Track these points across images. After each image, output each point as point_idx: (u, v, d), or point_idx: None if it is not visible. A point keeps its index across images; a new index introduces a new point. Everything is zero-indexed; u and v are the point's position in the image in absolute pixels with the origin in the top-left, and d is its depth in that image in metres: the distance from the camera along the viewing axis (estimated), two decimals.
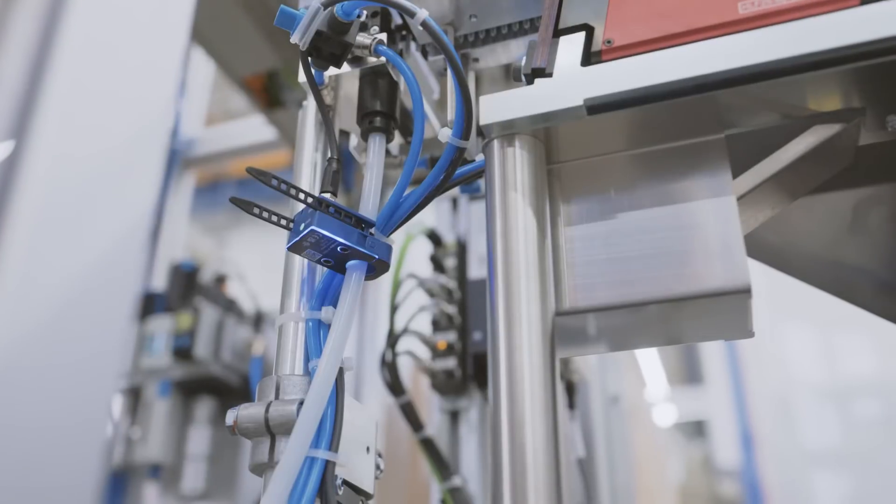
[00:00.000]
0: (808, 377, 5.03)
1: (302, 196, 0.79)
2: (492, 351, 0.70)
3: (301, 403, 0.74)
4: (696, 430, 7.49)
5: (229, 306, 2.32)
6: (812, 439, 4.86)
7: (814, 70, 0.69)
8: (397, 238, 1.67)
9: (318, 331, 0.81)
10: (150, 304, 2.27)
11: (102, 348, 1.08)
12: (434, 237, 1.57)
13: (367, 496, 0.81)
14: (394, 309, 1.45)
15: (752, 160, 0.76)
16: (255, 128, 2.92)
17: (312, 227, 0.77)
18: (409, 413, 1.39)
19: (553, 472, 0.64)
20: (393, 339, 1.43)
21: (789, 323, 5.07)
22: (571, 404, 1.47)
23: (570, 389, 1.48)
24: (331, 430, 0.73)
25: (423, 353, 1.52)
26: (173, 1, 1.30)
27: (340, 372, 0.77)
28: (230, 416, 0.77)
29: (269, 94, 2.25)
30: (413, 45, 1.00)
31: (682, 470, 6.97)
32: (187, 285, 2.26)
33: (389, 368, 1.41)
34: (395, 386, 1.40)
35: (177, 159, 2.94)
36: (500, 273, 0.73)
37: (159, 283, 2.59)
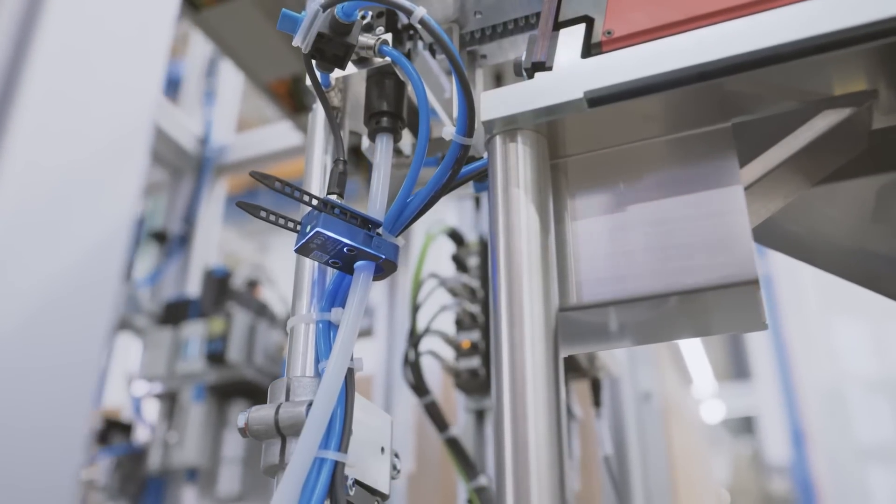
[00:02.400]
0: (861, 370, 4.92)
1: (307, 198, 0.79)
2: (494, 348, 0.70)
3: (310, 405, 0.74)
4: (745, 426, 7.38)
5: (261, 310, 2.34)
6: (865, 434, 4.75)
7: (820, 53, 0.67)
8: (418, 238, 1.67)
9: (328, 332, 0.81)
10: (184, 310, 2.30)
11: (79, 353, 1.09)
12: (456, 236, 1.56)
13: (383, 497, 0.81)
14: (415, 309, 1.45)
15: (761, 149, 0.74)
16: (285, 132, 2.96)
17: (317, 229, 0.77)
18: (434, 413, 1.38)
19: (556, 469, 0.64)
20: (415, 338, 1.43)
21: (840, 315, 4.97)
22: (597, 401, 1.45)
23: (596, 386, 1.46)
24: (340, 430, 0.73)
25: (448, 353, 1.51)
26: (153, 10, 1.31)
27: (350, 373, 0.77)
28: (241, 419, 0.78)
29: (294, 99, 2.27)
30: (420, 45, 1.00)
31: (729, 467, 6.87)
32: (220, 290, 2.29)
33: (412, 368, 1.41)
34: (418, 386, 1.39)
35: (208, 166, 2.99)
36: (502, 270, 0.72)
37: (194, 289, 2.63)
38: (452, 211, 2.09)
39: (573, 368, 1.46)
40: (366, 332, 2.47)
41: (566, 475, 0.64)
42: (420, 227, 1.79)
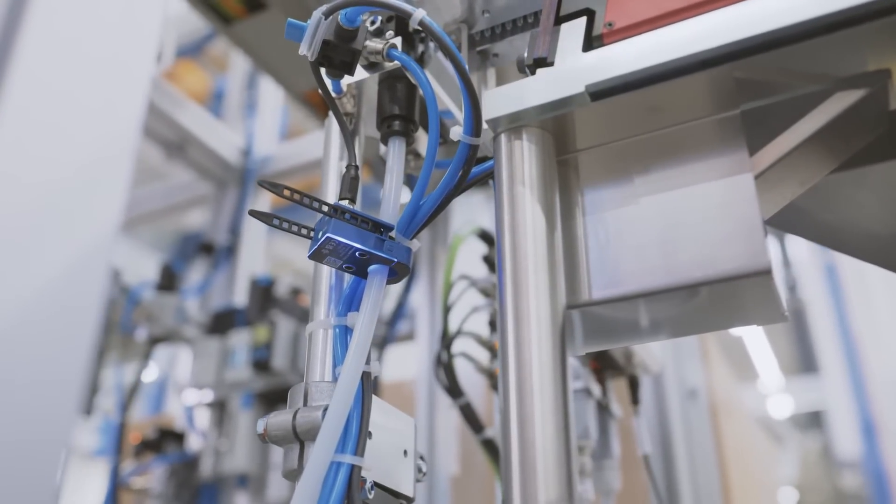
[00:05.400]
0: None
1: (316, 205, 0.79)
2: (501, 347, 0.69)
3: (327, 409, 0.74)
4: (813, 420, 7.20)
5: (305, 317, 2.36)
6: None
7: (827, 33, 0.65)
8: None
9: (344, 336, 0.81)
10: (231, 319, 2.34)
11: (57, 369, 1.10)
12: (486, 237, 1.55)
13: (408, 500, 0.81)
14: (447, 310, 1.44)
15: (773, 135, 0.72)
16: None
17: (328, 235, 0.77)
18: (469, 414, 1.38)
19: (564, 469, 0.63)
20: (447, 340, 1.42)
21: None
22: (635, 399, 1.42)
23: (634, 384, 1.43)
24: (356, 434, 0.74)
25: (482, 354, 1.50)
26: (135, 30, 1.32)
27: (367, 376, 0.77)
28: (260, 425, 0.78)
29: None
30: (433, 47, 1.00)
31: (798, 463, 6.70)
32: (264, 299, 2.33)
33: (445, 370, 1.40)
34: (452, 388, 1.39)
35: (251, 177, 3.03)
36: (508, 268, 0.72)
37: (241, 298, 2.68)
38: (485, 212, 2.09)
39: (610, 366, 1.44)
40: (408, 336, 2.48)
41: (574, 475, 0.63)
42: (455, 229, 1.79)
